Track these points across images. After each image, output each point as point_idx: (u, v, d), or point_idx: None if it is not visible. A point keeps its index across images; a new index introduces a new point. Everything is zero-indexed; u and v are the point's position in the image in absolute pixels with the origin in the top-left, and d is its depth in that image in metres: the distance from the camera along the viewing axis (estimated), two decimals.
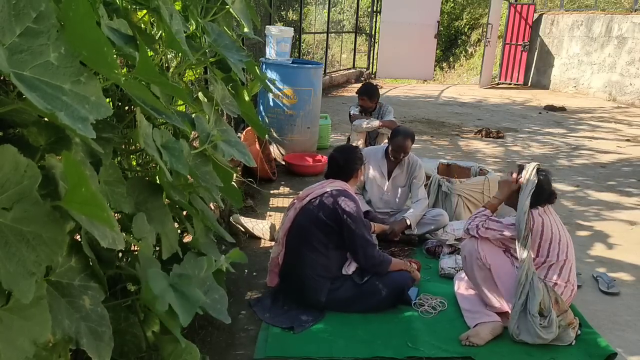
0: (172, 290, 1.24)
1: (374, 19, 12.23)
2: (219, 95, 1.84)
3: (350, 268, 2.68)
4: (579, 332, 2.46)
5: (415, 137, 3.68)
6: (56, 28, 0.88)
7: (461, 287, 2.74)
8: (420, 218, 3.50)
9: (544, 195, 2.49)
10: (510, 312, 2.46)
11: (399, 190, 3.66)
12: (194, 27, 1.80)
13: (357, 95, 4.86)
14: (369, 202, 3.67)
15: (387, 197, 3.66)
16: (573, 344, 2.41)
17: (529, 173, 2.51)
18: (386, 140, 4.74)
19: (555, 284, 2.43)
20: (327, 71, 10.98)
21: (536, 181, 2.47)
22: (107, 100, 1.23)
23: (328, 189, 2.70)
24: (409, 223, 3.40)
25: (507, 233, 2.50)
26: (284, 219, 2.79)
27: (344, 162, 2.80)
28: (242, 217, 3.53)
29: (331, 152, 2.92)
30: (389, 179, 3.64)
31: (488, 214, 2.61)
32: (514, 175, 2.60)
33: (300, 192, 2.82)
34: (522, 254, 2.40)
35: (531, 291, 2.35)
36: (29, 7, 0.86)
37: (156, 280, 1.22)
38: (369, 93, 4.76)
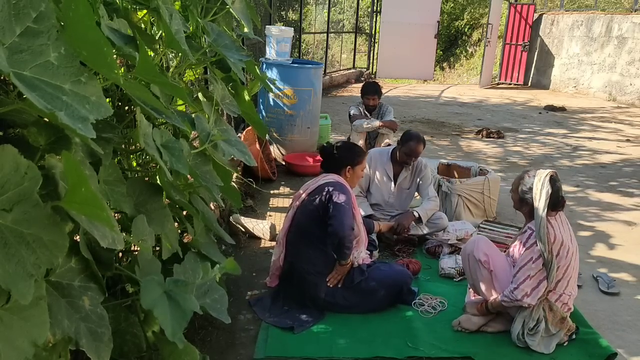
0: (165, 299, 1.23)
1: (374, 19, 12.22)
2: (219, 95, 1.84)
3: None
4: (574, 336, 2.43)
5: None
6: (56, 28, 0.88)
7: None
8: (430, 216, 3.41)
9: (557, 204, 2.41)
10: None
11: (404, 193, 3.61)
12: (194, 27, 1.80)
13: (362, 95, 4.82)
14: (372, 205, 3.59)
15: (392, 200, 3.59)
16: (565, 344, 2.40)
17: (540, 184, 2.41)
18: (387, 141, 4.75)
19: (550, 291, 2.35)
20: (327, 71, 10.98)
21: (550, 191, 2.37)
22: (107, 100, 1.23)
23: (321, 182, 2.69)
24: (417, 215, 3.33)
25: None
26: (285, 220, 2.79)
27: (333, 150, 2.80)
28: (242, 217, 3.53)
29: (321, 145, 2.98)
30: (395, 183, 3.56)
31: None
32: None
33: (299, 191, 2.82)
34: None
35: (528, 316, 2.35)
36: (29, 7, 0.86)
37: (148, 292, 1.20)
38: (378, 91, 4.78)
